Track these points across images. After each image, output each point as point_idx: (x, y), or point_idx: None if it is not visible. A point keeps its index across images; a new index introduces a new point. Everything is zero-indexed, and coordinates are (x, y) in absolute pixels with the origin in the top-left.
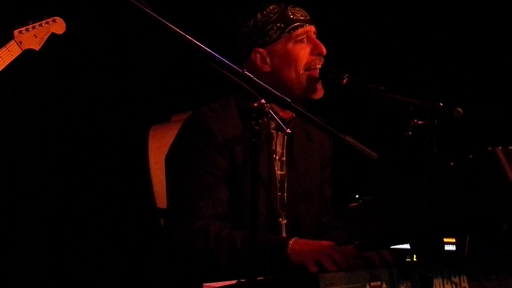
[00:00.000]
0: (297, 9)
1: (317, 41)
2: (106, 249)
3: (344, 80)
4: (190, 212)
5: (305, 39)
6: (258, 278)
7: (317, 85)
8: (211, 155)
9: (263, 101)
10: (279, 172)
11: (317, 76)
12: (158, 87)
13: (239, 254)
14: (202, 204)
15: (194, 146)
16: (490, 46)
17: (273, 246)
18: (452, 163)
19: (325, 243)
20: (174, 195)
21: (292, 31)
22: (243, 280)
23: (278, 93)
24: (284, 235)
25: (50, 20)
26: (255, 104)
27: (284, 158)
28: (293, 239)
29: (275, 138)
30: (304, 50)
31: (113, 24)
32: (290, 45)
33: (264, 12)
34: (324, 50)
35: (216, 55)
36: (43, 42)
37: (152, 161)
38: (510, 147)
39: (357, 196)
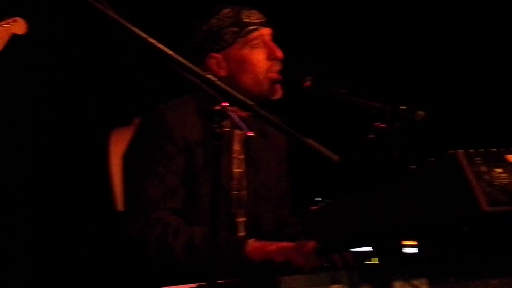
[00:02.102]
0: (252, 11)
1: (273, 45)
2: (65, 253)
3: (307, 83)
4: (147, 203)
5: (260, 44)
6: (218, 282)
7: (277, 87)
8: (170, 151)
9: (225, 104)
10: (237, 170)
11: (277, 78)
12: (120, 90)
13: (197, 250)
14: (159, 196)
15: (152, 141)
16: (454, 48)
17: (231, 244)
18: (413, 166)
19: (284, 244)
20: (130, 188)
21: (247, 35)
22: (204, 284)
23: (241, 97)
24: (243, 233)
25: (10, 20)
26: (217, 107)
27: (241, 156)
28: (252, 239)
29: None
30: (261, 56)
31: (72, 25)
32: (246, 51)
33: (218, 17)
34: (281, 54)
35: (178, 57)
36: (5, 44)
37: (113, 164)
38: (472, 150)
39: (318, 199)
